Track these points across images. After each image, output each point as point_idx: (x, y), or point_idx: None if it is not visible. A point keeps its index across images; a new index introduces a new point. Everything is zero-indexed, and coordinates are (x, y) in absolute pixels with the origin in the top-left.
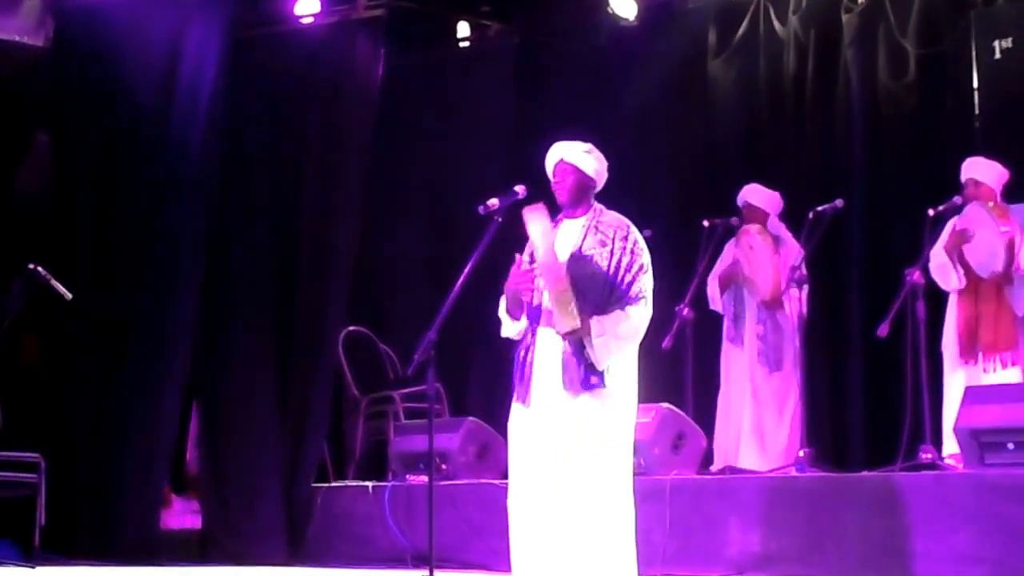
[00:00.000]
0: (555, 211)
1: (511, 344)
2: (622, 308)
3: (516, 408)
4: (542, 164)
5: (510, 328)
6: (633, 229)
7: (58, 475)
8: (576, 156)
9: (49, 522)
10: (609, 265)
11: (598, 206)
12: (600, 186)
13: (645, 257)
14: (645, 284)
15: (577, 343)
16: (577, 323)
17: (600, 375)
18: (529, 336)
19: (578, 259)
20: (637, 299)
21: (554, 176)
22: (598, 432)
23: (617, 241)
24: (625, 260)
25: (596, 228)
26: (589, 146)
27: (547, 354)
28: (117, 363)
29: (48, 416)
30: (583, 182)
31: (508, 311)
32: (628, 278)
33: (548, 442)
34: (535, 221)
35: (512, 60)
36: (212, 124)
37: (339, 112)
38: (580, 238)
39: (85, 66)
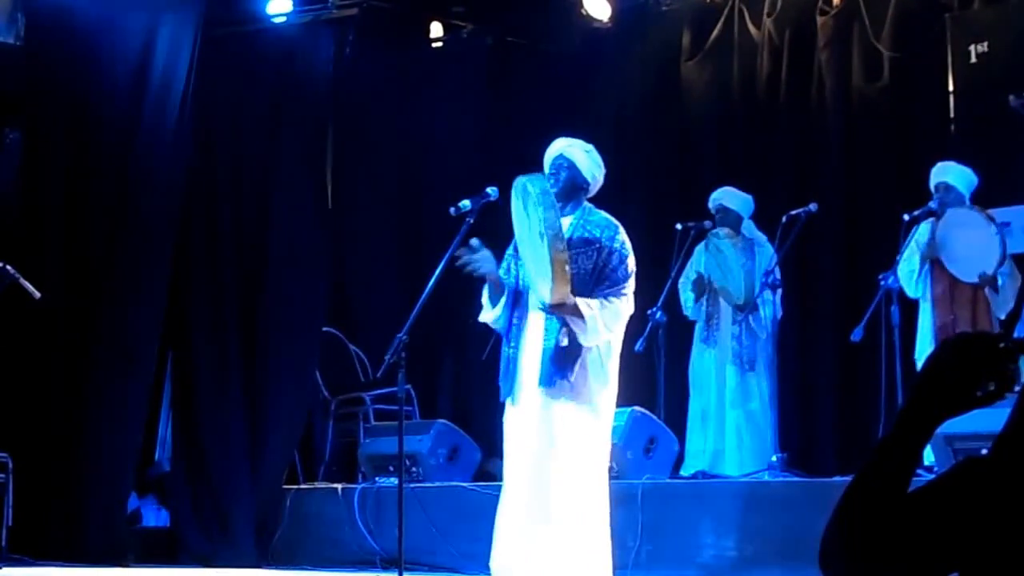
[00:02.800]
0: None
1: (482, 346)
2: (606, 298)
3: (508, 406)
4: (514, 165)
5: (487, 313)
6: (621, 230)
7: (26, 475)
8: (574, 153)
9: (16, 522)
10: (596, 262)
11: (588, 206)
12: (594, 190)
13: (630, 258)
14: (629, 283)
15: (561, 326)
16: (568, 291)
17: (578, 374)
18: (514, 331)
19: None
20: (620, 294)
21: (550, 168)
22: (575, 431)
23: (604, 240)
24: (614, 257)
25: (584, 226)
26: (590, 147)
27: (531, 352)
28: (86, 362)
29: (17, 415)
30: (576, 180)
31: (489, 296)
32: (613, 275)
33: (531, 440)
34: (535, 183)
35: (485, 61)
36: (183, 123)
37: (311, 111)
38: (567, 236)
39: (57, 64)
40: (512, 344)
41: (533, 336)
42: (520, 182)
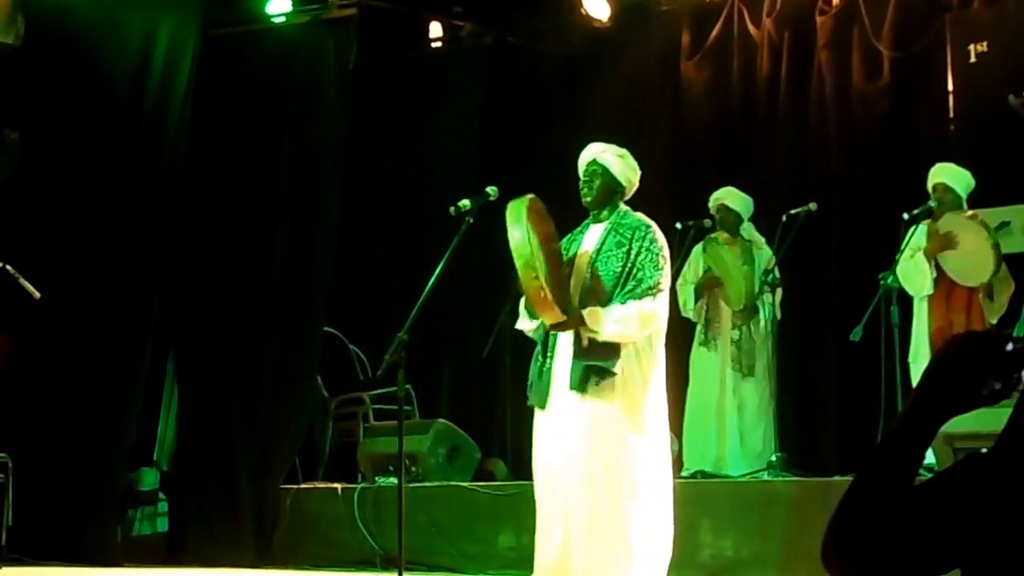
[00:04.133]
0: (581, 212)
1: (482, 346)
2: (623, 301)
3: (537, 414)
4: (514, 165)
5: (525, 323)
6: (654, 228)
7: (26, 475)
8: (608, 159)
9: (16, 522)
10: (625, 264)
11: (623, 209)
12: (629, 193)
13: (661, 256)
14: (659, 279)
15: (579, 339)
16: (558, 313)
17: (608, 374)
18: (551, 340)
19: (596, 261)
20: (645, 294)
21: (583, 175)
22: (614, 430)
23: (635, 241)
24: (641, 257)
25: (617, 230)
26: (623, 151)
27: (564, 359)
28: (85, 363)
29: (17, 416)
30: (610, 185)
31: (526, 306)
32: (640, 274)
33: (565, 445)
34: (512, 210)
35: (485, 61)
36: (184, 122)
37: (312, 111)
38: (601, 241)
39: (56, 65)
40: (548, 354)
41: (566, 344)
42: (509, 209)
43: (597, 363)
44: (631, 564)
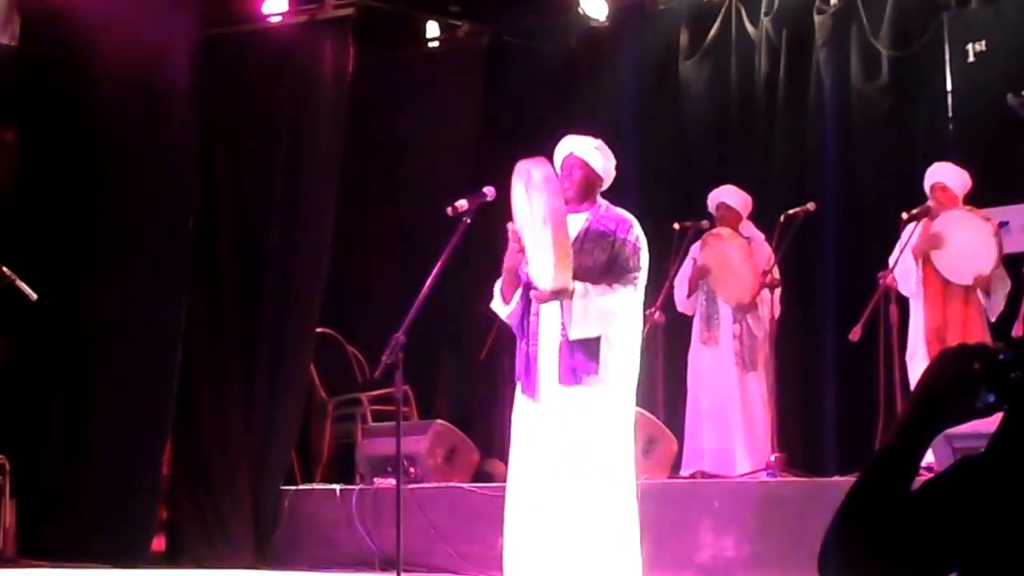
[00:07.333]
0: None
1: (481, 346)
2: (609, 284)
3: (522, 401)
4: (511, 165)
5: (500, 308)
6: (636, 224)
7: (26, 476)
8: (585, 151)
9: (15, 523)
10: (609, 255)
11: (602, 202)
12: (607, 184)
13: (643, 252)
14: (639, 274)
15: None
16: (569, 278)
17: (594, 366)
18: (529, 326)
19: (577, 252)
20: (627, 283)
21: (561, 169)
22: (593, 426)
23: (618, 234)
24: (625, 250)
25: (598, 223)
26: (599, 142)
27: (548, 346)
28: (86, 365)
29: (16, 417)
30: (590, 178)
31: (502, 290)
32: (625, 265)
33: (550, 436)
34: (538, 169)
35: (482, 60)
36: (181, 123)
37: (308, 111)
38: (582, 232)
39: (53, 64)
40: (531, 340)
41: (550, 330)
42: (523, 167)
43: (583, 357)
44: (611, 557)
